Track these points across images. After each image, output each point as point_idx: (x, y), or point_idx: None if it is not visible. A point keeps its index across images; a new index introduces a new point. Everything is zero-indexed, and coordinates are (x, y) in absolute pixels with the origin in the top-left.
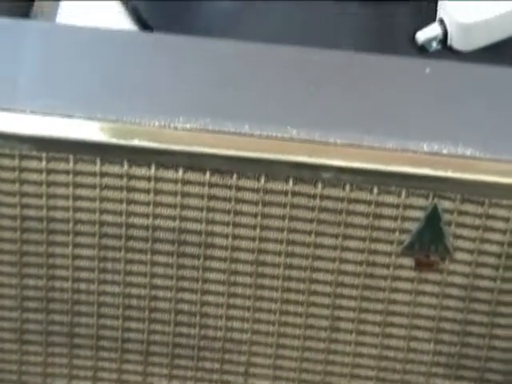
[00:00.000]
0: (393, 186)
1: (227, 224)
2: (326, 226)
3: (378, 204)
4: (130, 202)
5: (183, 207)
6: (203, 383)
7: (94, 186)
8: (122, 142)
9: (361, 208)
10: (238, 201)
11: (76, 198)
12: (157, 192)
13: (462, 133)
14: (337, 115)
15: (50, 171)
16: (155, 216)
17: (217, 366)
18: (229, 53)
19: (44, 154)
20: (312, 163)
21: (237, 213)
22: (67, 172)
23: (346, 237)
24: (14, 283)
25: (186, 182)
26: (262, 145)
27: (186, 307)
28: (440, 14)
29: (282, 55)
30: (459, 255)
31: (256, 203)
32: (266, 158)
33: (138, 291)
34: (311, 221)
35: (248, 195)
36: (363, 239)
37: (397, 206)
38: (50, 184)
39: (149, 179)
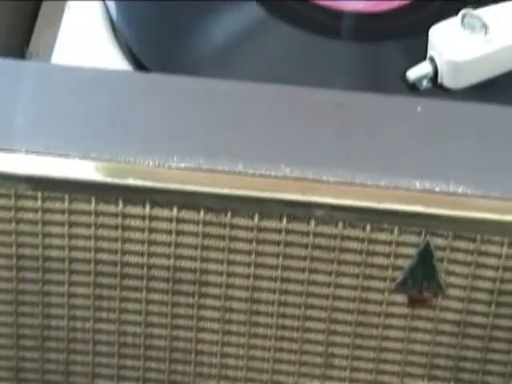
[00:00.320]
0: (385, 224)
1: (221, 262)
2: (319, 263)
3: (371, 241)
4: (124, 240)
5: (178, 245)
6: None
7: (89, 225)
8: (116, 181)
9: (354, 245)
10: (232, 239)
11: (71, 236)
12: (151, 230)
13: (453, 170)
14: (329, 153)
15: (45, 210)
16: (150, 254)
17: None
18: (222, 92)
19: (39, 194)
20: (305, 201)
21: (231, 251)
22: (62, 211)
23: (339, 274)
24: (9, 322)
25: (180, 221)
26: (255, 183)
27: (181, 344)
28: (430, 52)
29: (274, 94)
30: (452, 291)
31: (250, 241)
32: (259, 196)
33: (134, 329)
34: (305, 258)
35: (242, 233)
36: (356, 276)
37: (389, 243)
38: (45, 223)
39: (143, 218)
